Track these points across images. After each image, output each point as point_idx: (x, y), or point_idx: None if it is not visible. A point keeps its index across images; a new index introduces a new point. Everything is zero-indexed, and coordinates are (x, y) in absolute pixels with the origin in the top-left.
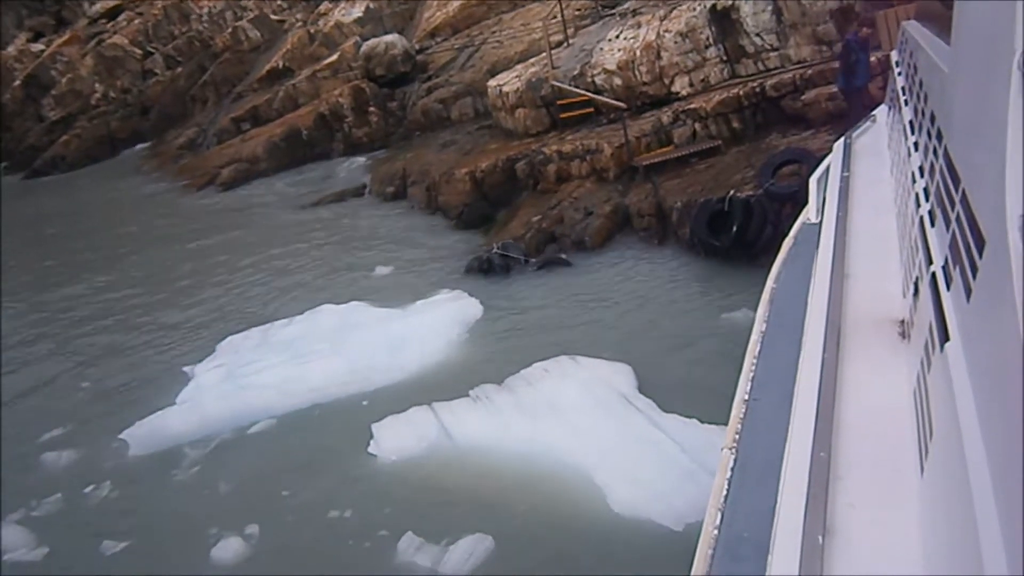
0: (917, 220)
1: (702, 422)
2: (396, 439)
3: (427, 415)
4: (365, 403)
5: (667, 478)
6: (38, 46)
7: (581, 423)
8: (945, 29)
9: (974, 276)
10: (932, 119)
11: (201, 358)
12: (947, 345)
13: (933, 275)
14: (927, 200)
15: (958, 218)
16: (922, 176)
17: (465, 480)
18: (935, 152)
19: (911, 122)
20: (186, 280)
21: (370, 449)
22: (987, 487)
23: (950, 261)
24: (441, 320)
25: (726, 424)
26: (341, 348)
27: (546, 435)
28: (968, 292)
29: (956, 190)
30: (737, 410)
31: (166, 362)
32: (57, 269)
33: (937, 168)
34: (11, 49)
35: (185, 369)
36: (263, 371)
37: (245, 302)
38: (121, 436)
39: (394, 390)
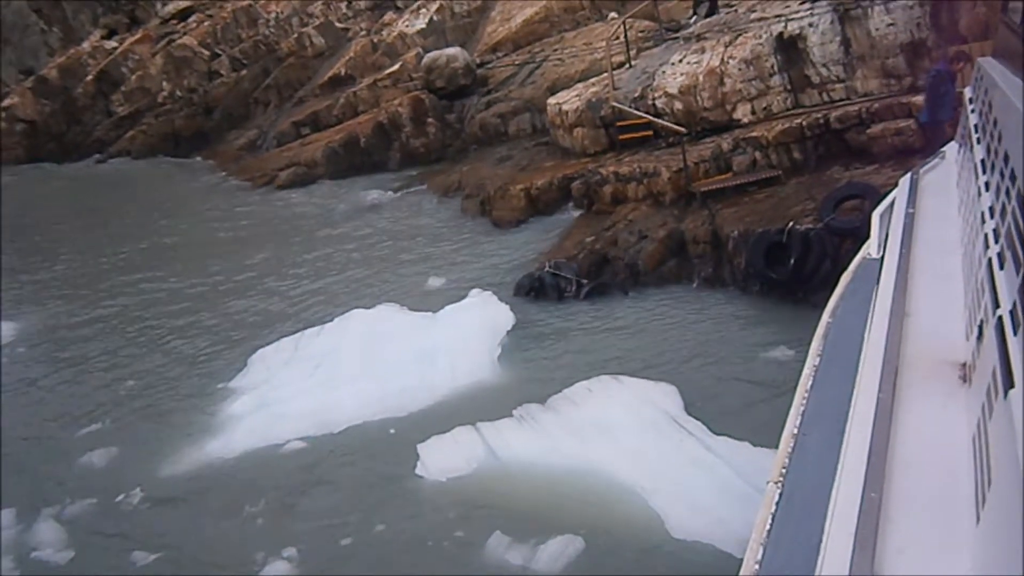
0: (985, 262)
1: (754, 445)
2: (443, 460)
3: (472, 435)
4: (392, 431)
5: (725, 503)
6: (111, 43)
7: (631, 444)
8: (1018, 67)
9: None
10: (1006, 159)
11: (233, 375)
12: (1011, 392)
13: (1000, 319)
14: (996, 242)
15: None
16: (992, 217)
17: (517, 502)
18: (1007, 193)
19: (983, 161)
20: (229, 280)
21: (417, 471)
22: None
23: (1019, 305)
24: (472, 331)
25: (778, 449)
26: (372, 368)
27: (596, 456)
28: None
29: None
30: (785, 444)
31: (201, 374)
32: (105, 267)
33: (1009, 209)
34: (85, 45)
35: (219, 385)
36: (296, 397)
37: (282, 308)
38: (155, 452)
39: (429, 413)
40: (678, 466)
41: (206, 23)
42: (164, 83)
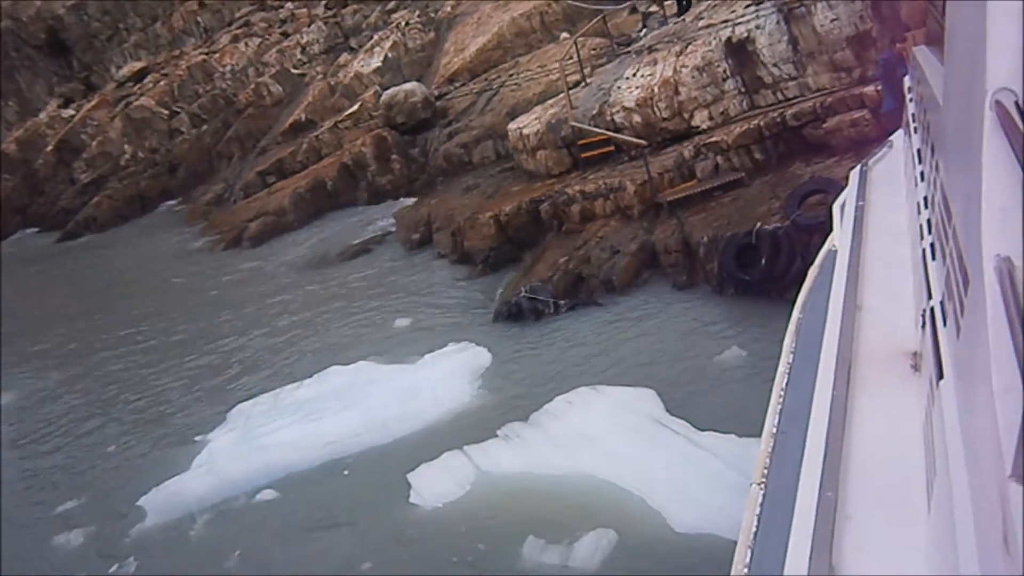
0: (920, 252)
1: (740, 437)
2: (435, 486)
3: (461, 459)
4: (381, 456)
5: (720, 494)
6: (69, 111)
7: (619, 449)
8: (943, 57)
9: (962, 314)
10: (933, 150)
11: (212, 427)
12: (941, 383)
13: (932, 310)
14: (930, 232)
15: (951, 253)
16: (926, 207)
17: (518, 518)
18: (935, 184)
19: (919, 151)
20: (198, 344)
21: (411, 499)
22: (970, 530)
23: (945, 297)
24: (452, 369)
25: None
26: (354, 404)
27: (588, 464)
28: (958, 330)
29: (949, 225)
30: (765, 444)
31: (177, 433)
32: (70, 340)
33: (936, 201)
34: (43, 116)
35: (197, 438)
36: (277, 431)
37: (257, 366)
38: (139, 504)
39: (412, 440)
40: (669, 464)
41: (162, 82)
42: (125, 146)
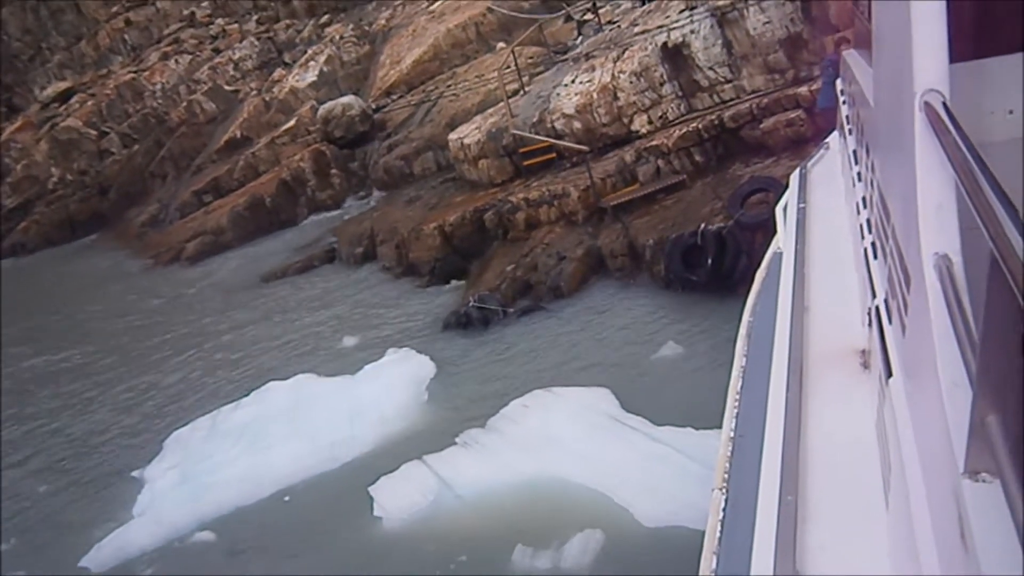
0: (862, 252)
1: (696, 429)
2: (398, 498)
3: (421, 469)
4: (335, 480)
5: (685, 486)
6: None
7: (580, 448)
8: (871, 59)
9: (906, 312)
10: (867, 151)
11: (149, 458)
12: (891, 380)
13: (877, 308)
14: (870, 232)
15: (891, 252)
16: (865, 207)
17: (487, 523)
18: (871, 184)
19: (854, 152)
20: (131, 368)
21: (375, 512)
22: (927, 527)
23: (889, 295)
24: (395, 381)
25: (721, 427)
26: (297, 428)
27: (552, 466)
28: (903, 327)
29: (888, 224)
30: (724, 448)
31: (112, 469)
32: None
33: (874, 201)
34: None
35: (135, 474)
36: (222, 467)
37: (194, 388)
38: (81, 563)
39: (365, 462)
40: (631, 460)
41: (89, 102)
42: (52, 168)
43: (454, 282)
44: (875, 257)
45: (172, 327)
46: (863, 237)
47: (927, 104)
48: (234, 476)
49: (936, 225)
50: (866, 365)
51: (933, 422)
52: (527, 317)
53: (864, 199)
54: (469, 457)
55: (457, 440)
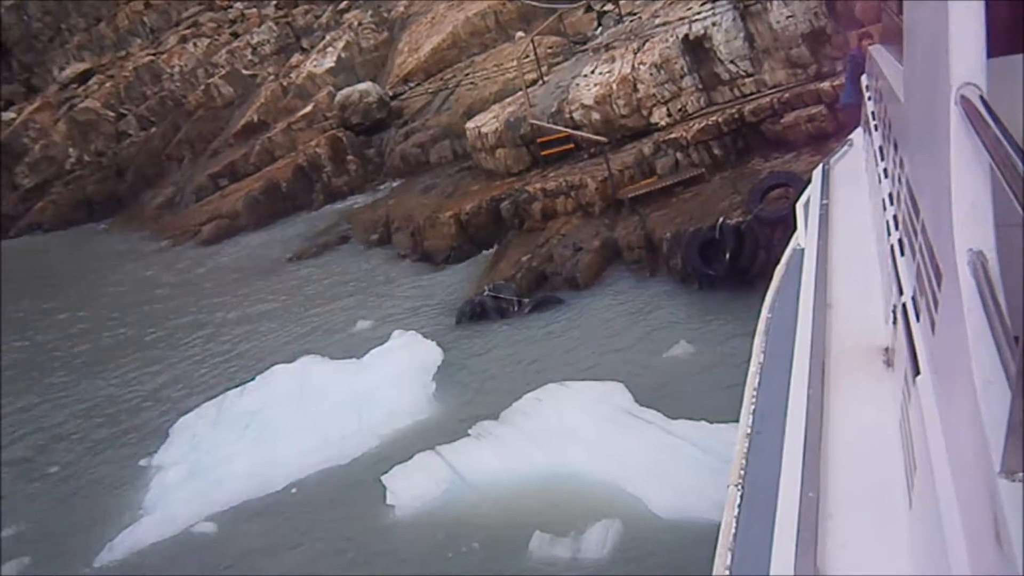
0: (888, 248)
1: (711, 423)
2: (412, 487)
3: (435, 459)
4: (346, 472)
5: (698, 477)
6: (9, 115)
7: (594, 440)
8: (902, 55)
9: (936, 309)
10: (896, 146)
11: (156, 446)
12: (918, 378)
13: (904, 306)
14: (896, 228)
15: (921, 249)
16: (892, 204)
17: (502, 512)
18: (900, 180)
19: (881, 148)
20: (142, 347)
21: (388, 501)
22: (957, 526)
23: (917, 292)
24: (403, 369)
25: (737, 421)
26: (306, 419)
27: (565, 457)
28: (933, 324)
29: (917, 220)
30: (741, 444)
31: (120, 457)
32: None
33: (902, 197)
34: None
35: (142, 463)
36: (230, 460)
37: (202, 369)
38: (96, 565)
39: (375, 455)
40: (644, 453)
41: (108, 84)
42: (70, 149)
43: (473, 258)
44: (902, 254)
45: (183, 308)
46: (889, 234)
47: (964, 98)
48: (243, 471)
49: (971, 221)
50: (889, 363)
51: (965, 420)
52: (541, 311)
53: (891, 195)
54: (483, 448)
55: (471, 432)
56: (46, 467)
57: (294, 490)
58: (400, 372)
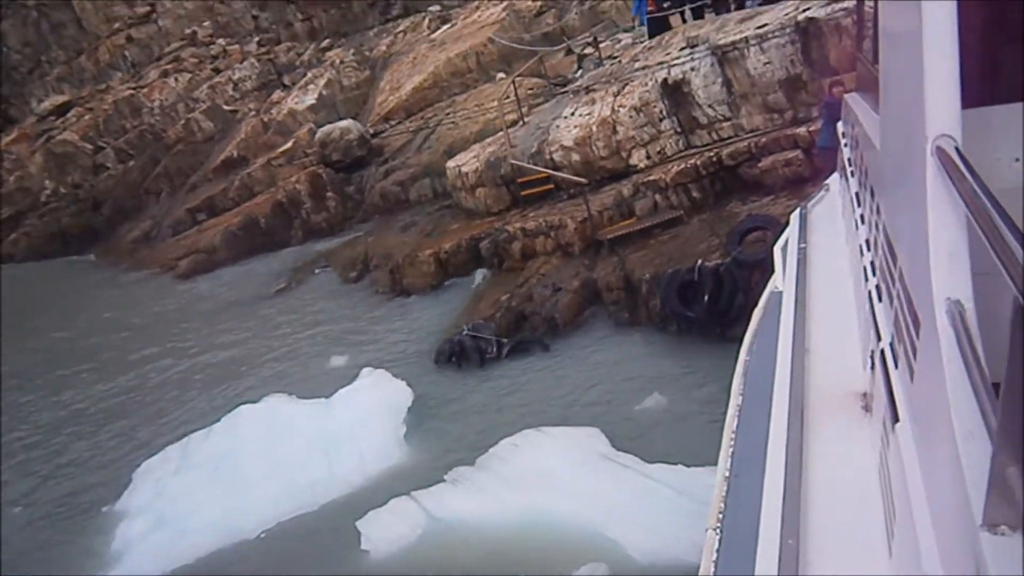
0: (866, 294)
1: (688, 466)
2: (387, 531)
3: (410, 504)
4: (317, 519)
5: (675, 521)
6: None
7: (571, 485)
8: (877, 103)
9: (915, 356)
10: (872, 193)
11: (119, 492)
12: (898, 426)
13: (882, 352)
14: (874, 274)
15: (898, 296)
16: (868, 250)
17: (480, 556)
18: (876, 227)
19: (857, 194)
20: (105, 385)
21: (363, 546)
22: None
23: (895, 339)
24: (372, 410)
25: (714, 464)
26: (275, 464)
27: (542, 502)
28: (912, 372)
29: (894, 267)
30: (719, 488)
31: (82, 503)
32: None
33: (879, 244)
34: None
35: (104, 509)
36: (198, 507)
37: (169, 407)
38: None
39: (347, 503)
40: (622, 497)
41: (87, 117)
42: (46, 181)
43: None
44: (880, 300)
45: (152, 342)
46: (866, 280)
47: (939, 149)
48: (211, 520)
49: (948, 270)
50: (867, 408)
51: (946, 471)
52: (519, 354)
53: (868, 242)
54: (460, 493)
55: (446, 477)
56: (7, 507)
57: (265, 538)
58: (370, 413)
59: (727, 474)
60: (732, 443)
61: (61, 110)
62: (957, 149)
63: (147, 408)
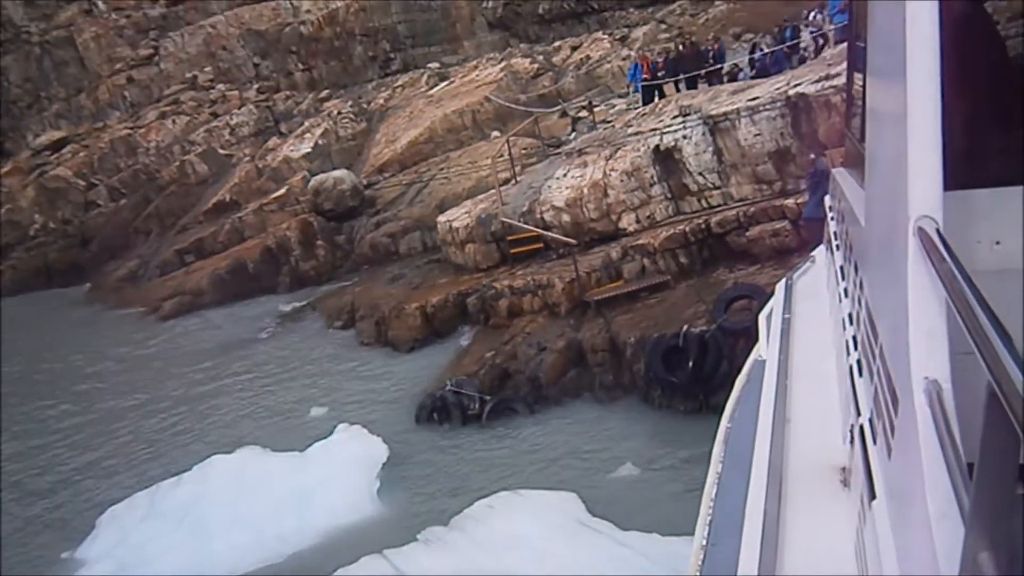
0: (847, 368)
1: (663, 535)
2: None
3: (381, 563)
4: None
5: None
6: None
7: (545, 549)
8: (863, 180)
9: (892, 434)
10: (856, 268)
11: (81, 537)
12: (874, 503)
13: (862, 427)
14: (856, 349)
15: (878, 372)
16: (851, 324)
17: None
18: (859, 302)
19: (842, 268)
20: (76, 428)
21: None
22: None
23: (874, 415)
24: (346, 465)
25: (688, 534)
26: (243, 513)
27: (517, 567)
28: (889, 449)
29: (875, 343)
30: (696, 556)
31: (39, 547)
32: None
33: (862, 319)
34: None
35: (64, 556)
36: (162, 555)
37: (137, 455)
38: None
39: (314, 556)
40: (595, 563)
41: (82, 154)
42: (36, 215)
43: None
44: (860, 375)
45: (129, 384)
46: (848, 353)
47: (921, 230)
48: (173, 568)
49: (927, 350)
50: (846, 483)
51: (920, 551)
52: (499, 417)
53: (850, 315)
54: (432, 554)
55: (419, 537)
56: None
57: None
58: (344, 467)
59: (704, 542)
60: (710, 511)
61: (57, 146)
62: (938, 231)
63: (114, 453)
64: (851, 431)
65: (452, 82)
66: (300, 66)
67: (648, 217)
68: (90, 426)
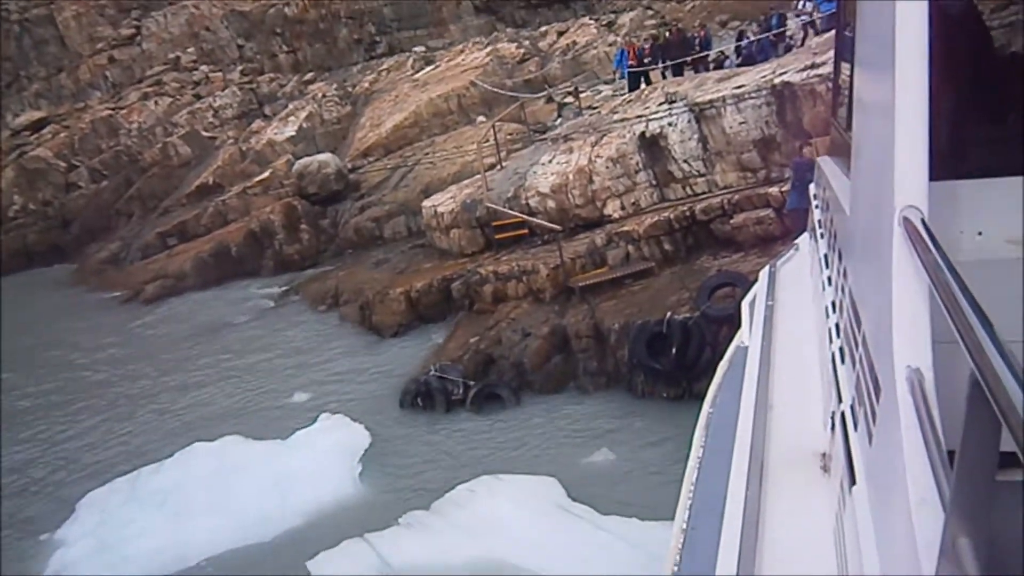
0: (829, 355)
1: (642, 520)
2: (338, 573)
3: (363, 546)
4: (265, 556)
5: (627, 573)
6: None
7: (526, 534)
8: (848, 169)
9: (873, 421)
10: (840, 256)
11: (60, 521)
12: (854, 489)
13: (843, 414)
14: (838, 336)
15: (860, 360)
16: (834, 311)
17: None
18: (843, 290)
19: (826, 256)
20: (54, 412)
21: None
22: None
23: (856, 402)
24: (329, 452)
25: (667, 519)
26: (224, 498)
27: (497, 551)
28: (870, 436)
29: (858, 331)
30: (676, 540)
31: (19, 526)
32: None
33: (845, 307)
34: None
35: (43, 536)
36: (141, 536)
37: (117, 441)
38: None
39: (295, 539)
40: (576, 547)
41: (62, 134)
42: (15, 197)
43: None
44: (843, 362)
45: (109, 369)
46: (831, 341)
47: (906, 220)
48: (154, 547)
49: (910, 338)
50: (826, 468)
51: (899, 537)
52: (484, 399)
53: (833, 303)
54: (413, 538)
55: (400, 521)
56: None
57: (208, 567)
58: (327, 453)
59: (684, 526)
60: (691, 495)
61: (37, 126)
62: (923, 220)
63: (93, 436)
64: (832, 418)
65: (438, 66)
66: (284, 48)
67: (633, 204)
68: (69, 408)
